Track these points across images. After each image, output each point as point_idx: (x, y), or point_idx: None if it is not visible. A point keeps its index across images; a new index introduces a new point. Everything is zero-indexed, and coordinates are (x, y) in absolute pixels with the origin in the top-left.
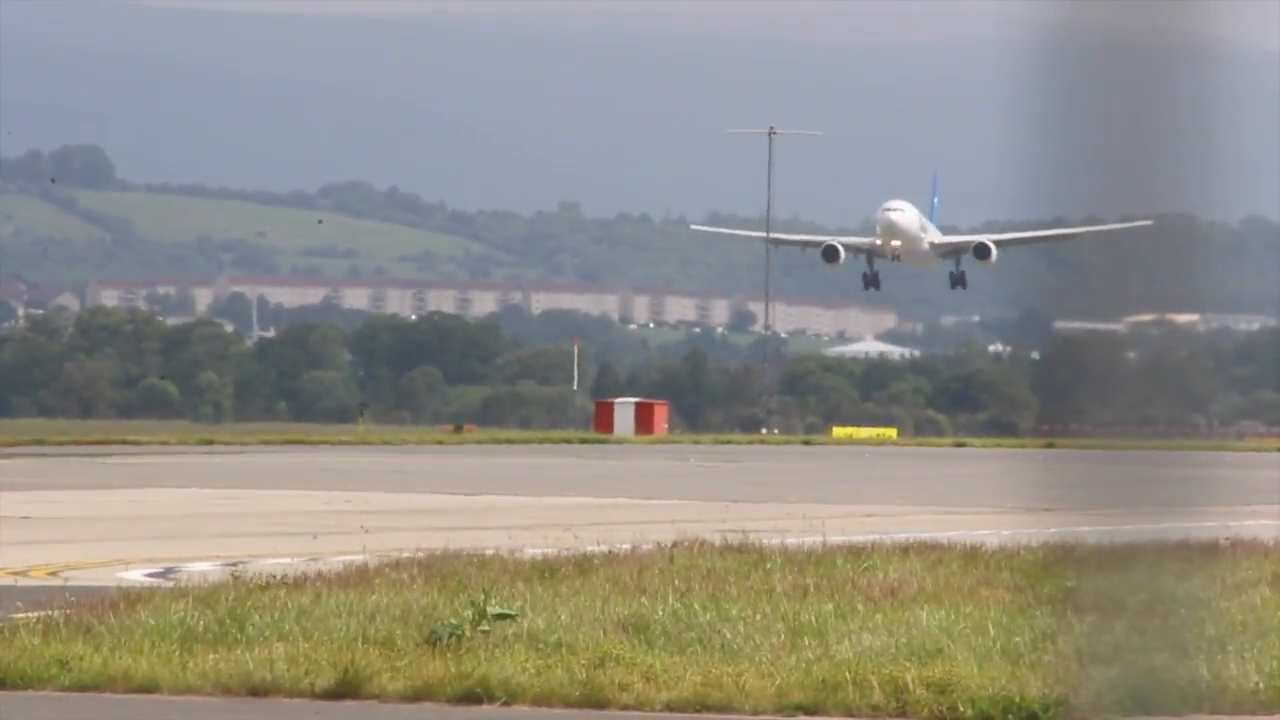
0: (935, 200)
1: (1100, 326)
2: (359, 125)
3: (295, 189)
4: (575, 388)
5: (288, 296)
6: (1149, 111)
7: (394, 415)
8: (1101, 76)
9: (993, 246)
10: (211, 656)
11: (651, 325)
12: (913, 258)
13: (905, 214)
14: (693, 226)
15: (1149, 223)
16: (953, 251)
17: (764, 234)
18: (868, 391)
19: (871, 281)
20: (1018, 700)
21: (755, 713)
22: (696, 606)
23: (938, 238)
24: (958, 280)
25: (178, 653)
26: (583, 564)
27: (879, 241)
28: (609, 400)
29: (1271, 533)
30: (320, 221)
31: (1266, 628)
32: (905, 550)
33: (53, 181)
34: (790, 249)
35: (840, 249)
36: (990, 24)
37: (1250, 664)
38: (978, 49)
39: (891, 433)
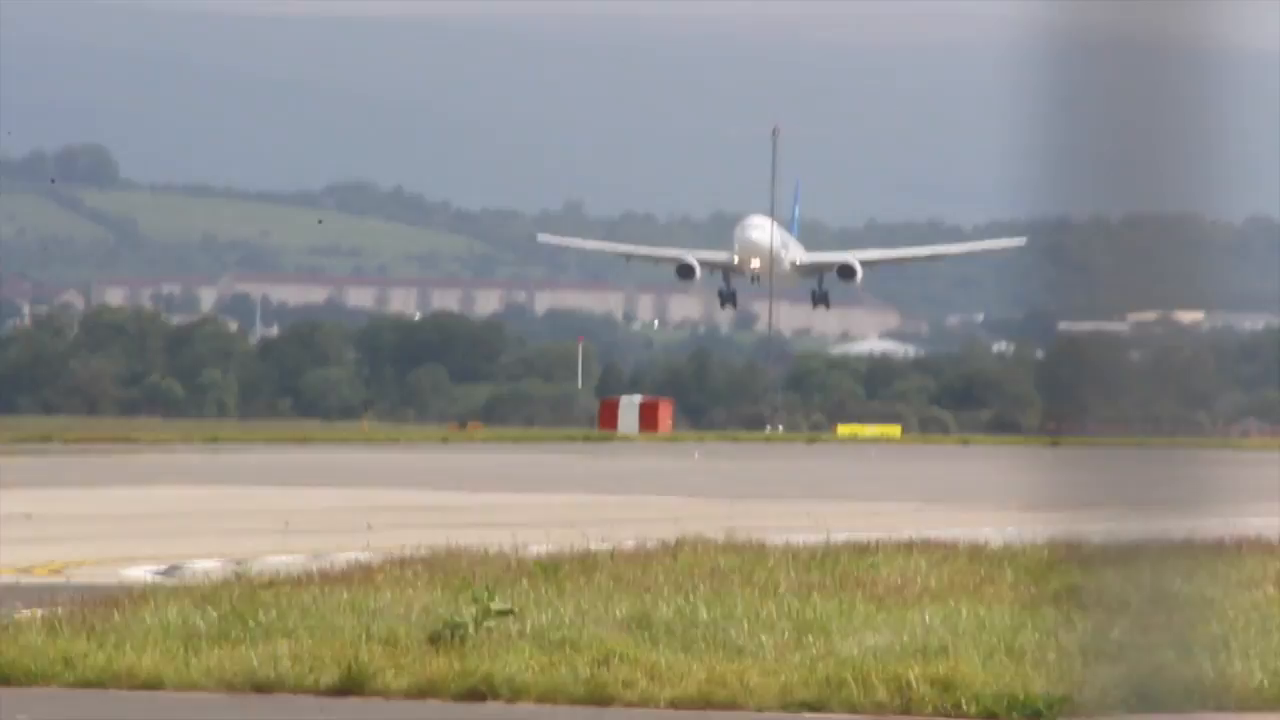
0: (797, 210)
1: (1104, 325)
2: (363, 124)
3: (300, 188)
4: (580, 386)
5: (292, 295)
6: (1153, 111)
7: (398, 414)
8: (1105, 76)
9: (858, 267)
10: (215, 653)
11: (656, 324)
12: (772, 277)
13: (765, 232)
14: (540, 238)
15: (1021, 241)
16: (815, 270)
17: (614, 245)
18: (872, 390)
19: (728, 299)
20: (1022, 698)
21: (759, 710)
22: (700, 604)
23: (801, 256)
24: (819, 299)
25: (182, 650)
26: (587, 562)
27: (737, 260)
28: (613, 399)
29: (1276, 531)
30: (320, 221)
31: (1270, 625)
32: (909, 548)
33: (53, 182)
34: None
35: (696, 266)
36: (993, 24)
37: (1254, 661)
38: (981, 49)
39: (896, 431)
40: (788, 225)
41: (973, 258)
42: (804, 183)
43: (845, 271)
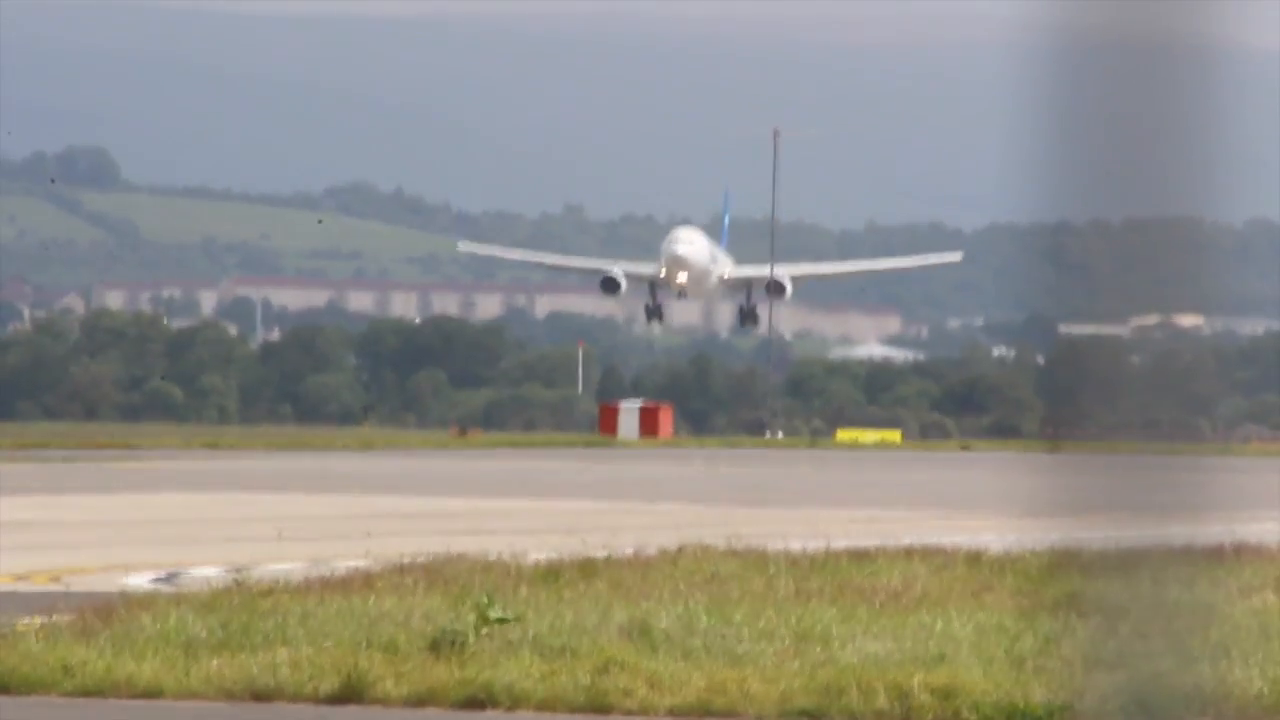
0: (726, 221)
1: (1105, 329)
2: (363, 127)
3: (300, 190)
4: (580, 391)
5: (292, 299)
6: (1153, 112)
7: (399, 418)
8: (1106, 77)
9: (787, 282)
10: (215, 661)
11: (656, 328)
12: (700, 291)
13: (694, 246)
14: (460, 245)
15: (957, 257)
16: (745, 285)
17: (536, 256)
18: (872, 395)
19: (654, 314)
20: (1022, 706)
21: (759, 718)
22: (700, 611)
23: (729, 270)
24: (747, 316)
25: (181, 658)
26: (586, 568)
27: (664, 273)
28: (614, 404)
29: (1276, 537)
30: (320, 221)
31: (1271, 633)
32: (909, 555)
33: (53, 182)
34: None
35: (621, 279)
36: (994, 25)
37: (1254, 669)
38: (981, 50)
39: (896, 436)
40: (717, 237)
41: (970, 262)
42: (809, 184)
43: (775, 287)
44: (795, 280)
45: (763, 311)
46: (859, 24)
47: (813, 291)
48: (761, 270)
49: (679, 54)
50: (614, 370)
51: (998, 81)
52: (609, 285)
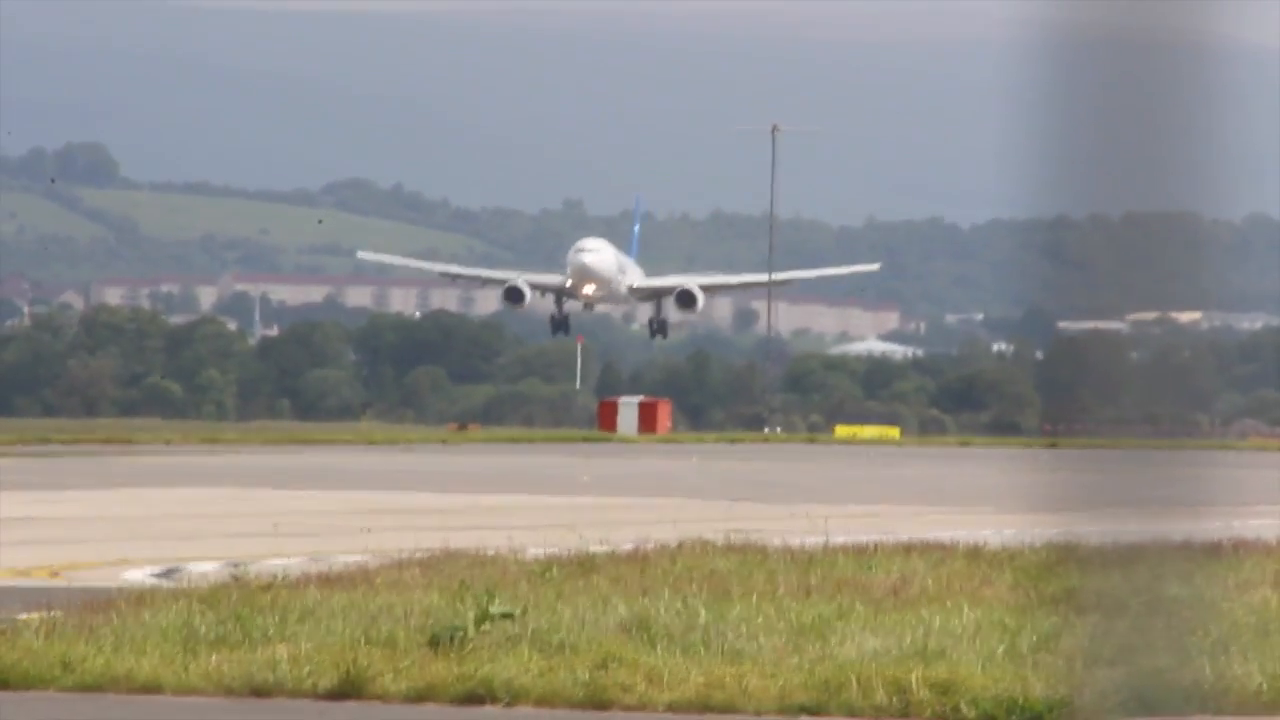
0: (637, 229)
1: (1103, 325)
2: (362, 123)
3: (299, 187)
4: (578, 386)
5: (291, 295)
6: (1153, 109)
7: (397, 414)
8: (1105, 74)
9: (698, 293)
10: (214, 657)
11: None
12: (608, 301)
13: (601, 255)
14: (359, 254)
15: (875, 267)
16: (654, 295)
17: (436, 265)
18: (871, 390)
19: (560, 326)
20: (1021, 701)
21: (758, 713)
22: (699, 607)
23: (638, 280)
24: (658, 329)
25: (180, 653)
26: (585, 564)
27: (570, 283)
28: (612, 399)
29: (1274, 533)
30: (321, 221)
31: (1269, 628)
32: (908, 550)
33: (53, 182)
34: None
35: (525, 290)
36: (993, 22)
37: (1253, 664)
38: (981, 47)
39: (895, 432)
40: (627, 246)
41: (969, 257)
42: (808, 180)
43: (685, 298)
44: (706, 290)
45: (761, 309)
46: (858, 20)
47: (812, 286)
48: (670, 280)
49: (678, 50)
50: (612, 366)
51: (997, 77)
52: (513, 295)
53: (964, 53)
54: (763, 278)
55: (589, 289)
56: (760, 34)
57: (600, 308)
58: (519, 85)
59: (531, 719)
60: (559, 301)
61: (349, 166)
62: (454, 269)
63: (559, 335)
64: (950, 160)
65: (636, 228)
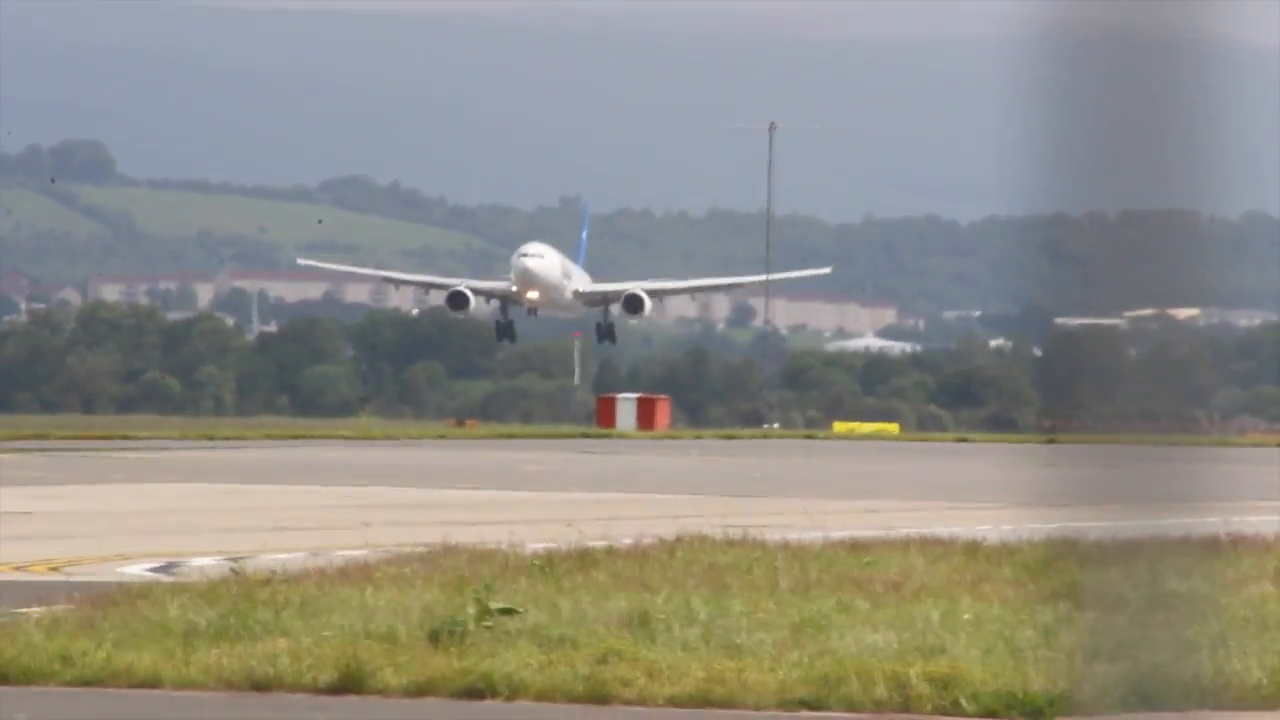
0: (584, 235)
1: (1101, 321)
2: (360, 120)
3: (296, 184)
4: (577, 383)
5: (289, 291)
6: (1151, 107)
7: (395, 410)
8: (1104, 72)
9: (646, 299)
10: (214, 652)
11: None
12: (554, 307)
13: (545, 260)
14: (299, 260)
15: (827, 270)
16: (601, 301)
17: (377, 271)
18: (869, 386)
19: (505, 332)
20: (1021, 695)
21: (758, 708)
22: (699, 602)
23: (585, 285)
24: (605, 334)
25: (180, 648)
26: (585, 559)
27: (515, 289)
28: (611, 395)
29: (1272, 528)
30: (320, 221)
31: (1268, 623)
32: (907, 545)
33: (52, 181)
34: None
35: (469, 295)
36: (992, 20)
37: (1252, 659)
38: (980, 44)
39: (894, 428)
40: (574, 252)
41: (967, 254)
42: (805, 178)
43: (632, 303)
44: (652, 295)
45: (759, 306)
46: (856, 18)
47: (810, 283)
48: (616, 285)
49: (676, 47)
50: (611, 362)
51: (995, 75)
52: (457, 301)
53: (962, 50)
54: (707, 282)
55: (533, 294)
56: (758, 32)
57: (544, 312)
58: (517, 83)
59: (532, 714)
60: (504, 308)
61: (346, 164)
62: (395, 275)
63: (504, 341)
64: (948, 157)
65: (584, 234)
